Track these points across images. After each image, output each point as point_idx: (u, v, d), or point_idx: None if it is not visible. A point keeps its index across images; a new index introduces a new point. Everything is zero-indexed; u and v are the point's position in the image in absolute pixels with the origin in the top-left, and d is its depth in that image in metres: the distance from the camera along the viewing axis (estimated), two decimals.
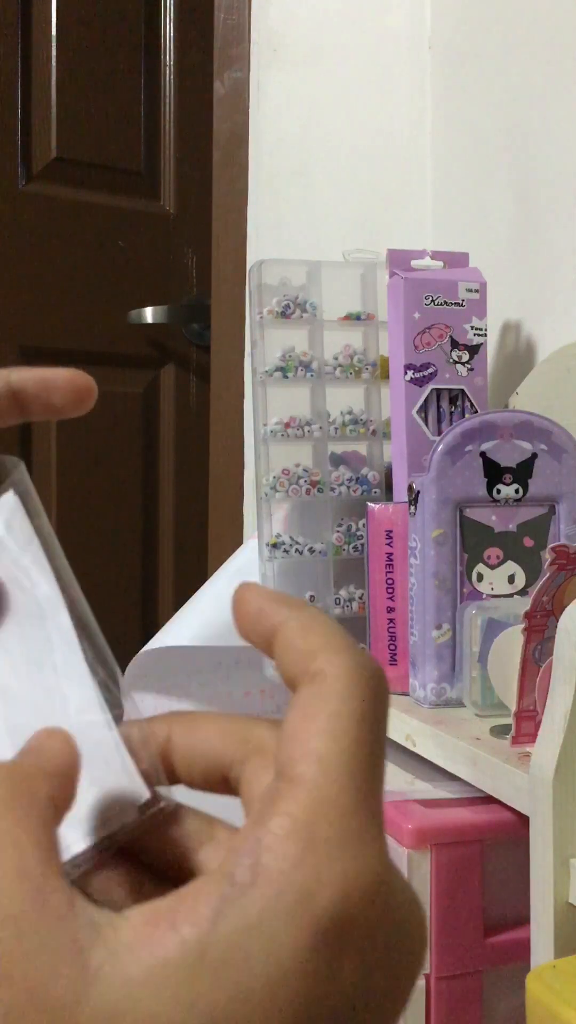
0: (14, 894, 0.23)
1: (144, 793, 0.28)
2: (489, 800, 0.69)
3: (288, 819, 0.24)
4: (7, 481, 0.33)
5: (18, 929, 0.22)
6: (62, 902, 0.23)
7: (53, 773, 0.26)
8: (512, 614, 0.76)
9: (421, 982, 0.69)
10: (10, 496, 0.33)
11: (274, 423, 0.95)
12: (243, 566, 1.04)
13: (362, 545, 0.93)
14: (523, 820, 0.61)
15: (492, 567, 0.83)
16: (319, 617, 0.28)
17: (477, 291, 0.94)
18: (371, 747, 0.26)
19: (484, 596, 0.83)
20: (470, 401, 0.93)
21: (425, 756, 0.76)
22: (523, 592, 0.83)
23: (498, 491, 0.83)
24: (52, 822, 0.25)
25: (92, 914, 0.23)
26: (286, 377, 0.96)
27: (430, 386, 0.92)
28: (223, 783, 0.29)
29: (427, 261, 0.97)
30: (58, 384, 0.39)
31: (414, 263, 0.96)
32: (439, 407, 0.93)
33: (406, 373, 0.92)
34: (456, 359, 0.93)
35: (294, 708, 0.27)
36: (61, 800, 0.26)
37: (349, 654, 0.27)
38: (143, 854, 0.29)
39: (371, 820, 0.25)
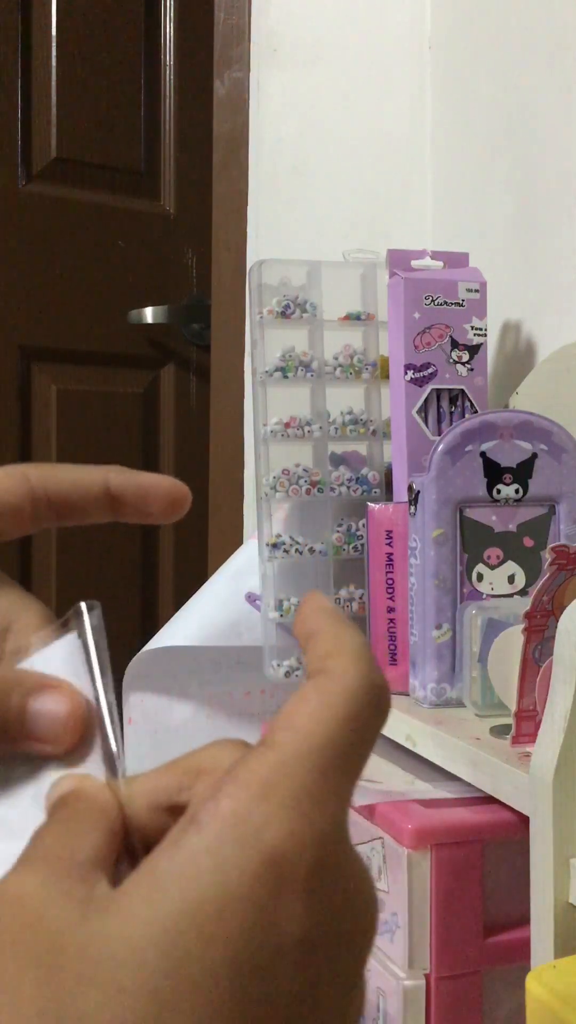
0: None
1: None
2: (489, 800, 0.69)
3: (251, 774, 0.27)
4: (75, 623, 0.33)
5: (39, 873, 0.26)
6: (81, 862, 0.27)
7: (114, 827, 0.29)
8: (512, 614, 0.76)
9: (421, 982, 0.69)
10: (72, 638, 0.33)
11: (274, 423, 0.95)
12: (243, 566, 1.04)
13: (362, 545, 0.93)
14: (523, 820, 0.61)
15: (492, 567, 0.83)
16: (352, 631, 0.31)
17: (477, 291, 0.94)
18: (353, 741, 0.28)
19: (484, 596, 0.83)
20: (470, 401, 0.93)
21: (425, 756, 0.76)
22: (523, 592, 0.83)
23: (498, 491, 0.83)
24: (114, 840, 0.28)
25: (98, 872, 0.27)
26: (286, 377, 0.96)
27: (430, 386, 0.92)
28: (168, 813, 0.30)
29: (427, 261, 0.97)
30: (159, 495, 0.39)
31: (414, 263, 0.96)
32: (439, 407, 0.93)
33: (406, 373, 0.92)
34: (456, 359, 0.93)
35: (293, 694, 0.29)
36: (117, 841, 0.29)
37: (362, 663, 0.29)
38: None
39: (331, 794, 0.27)
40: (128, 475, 0.39)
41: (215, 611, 1.03)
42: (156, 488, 0.39)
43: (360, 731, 0.28)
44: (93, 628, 0.33)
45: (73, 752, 0.32)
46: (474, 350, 0.94)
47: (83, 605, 0.33)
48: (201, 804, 0.27)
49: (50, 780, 0.31)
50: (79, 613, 0.33)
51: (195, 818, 0.26)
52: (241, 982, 0.25)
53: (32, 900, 0.26)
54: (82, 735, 0.32)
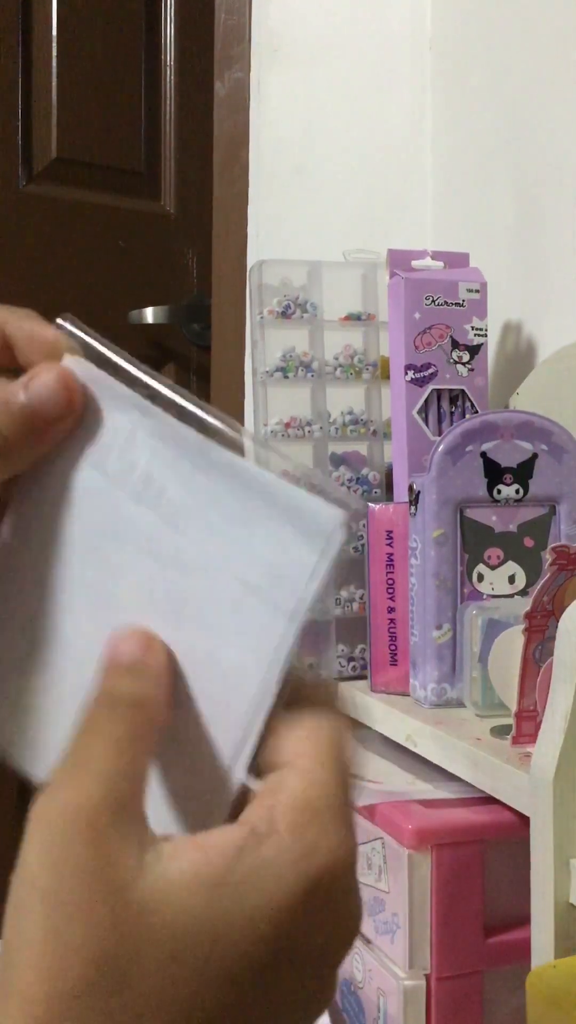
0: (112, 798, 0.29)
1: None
2: (489, 800, 0.69)
3: (294, 794, 0.30)
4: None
5: (97, 820, 0.28)
6: (140, 814, 0.30)
7: (162, 702, 0.31)
8: (512, 614, 0.76)
9: (421, 982, 0.69)
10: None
11: (274, 423, 0.95)
12: None
13: (362, 545, 0.93)
14: (523, 820, 0.61)
15: (493, 567, 0.83)
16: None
17: (477, 291, 0.94)
18: (347, 769, 0.32)
19: (485, 596, 0.83)
20: (470, 401, 0.93)
21: (425, 756, 0.76)
22: (523, 592, 0.83)
23: (498, 491, 0.83)
24: (152, 748, 0.31)
25: (149, 829, 0.30)
26: (286, 377, 0.96)
27: (430, 386, 0.92)
28: None
29: (427, 261, 0.97)
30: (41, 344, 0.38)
31: (414, 263, 0.96)
32: (439, 407, 0.93)
33: (406, 373, 0.92)
34: (456, 359, 0.93)
35: (288, 731, 0.31)
36: (162, 721, 0.32)
37: (336, 716, 0.33)
38: None
39: (350, 812, 0.31)
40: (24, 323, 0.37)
41: None
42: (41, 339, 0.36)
43: (348, 748, 0.32)
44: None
45: None
46: (474, 350, 0.94)
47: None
48: (256, 815, 0.30)
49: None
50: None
51: (255, 831, 0.29)
52: (274, 979, 0.29)
53: (101, 829, 0.28)
54: (76, 398, 0.33)
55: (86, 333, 0.35)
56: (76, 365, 0.34)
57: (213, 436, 0.31)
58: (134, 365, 0.33)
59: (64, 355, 0.35)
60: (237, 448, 0.31)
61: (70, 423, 0.34)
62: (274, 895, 0.28)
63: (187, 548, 0.32)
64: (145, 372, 0.33)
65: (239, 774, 0.31)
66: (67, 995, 0.27)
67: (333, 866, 0.29)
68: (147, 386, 0.33)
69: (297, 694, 0.32)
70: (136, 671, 0.32)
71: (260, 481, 0.31)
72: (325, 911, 0.29)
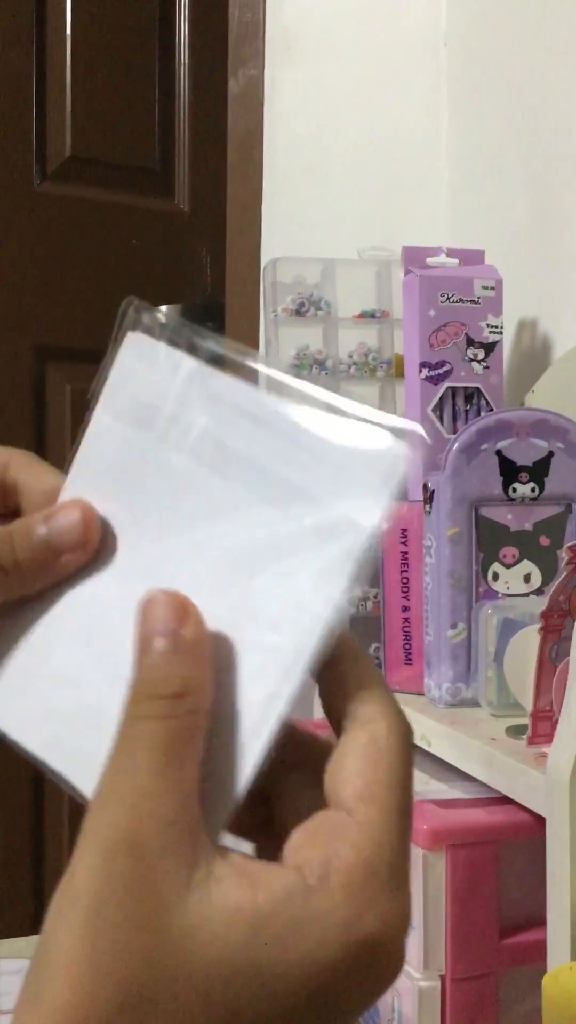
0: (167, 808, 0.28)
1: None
2: (505, 801, 0.68)
3: (354, 850, 0.29)
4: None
5: (161, 824, 0.28)
6: (190, 828, 0.28)
7: (205, 682, 0.30)
8: (528, 614, 0.75)
9: (436, 983, 0.69)
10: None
11: None
12: None
13: (376, 544, 0.93)
14: (539, 821, 0.60)
15: (508, 566, 0.83)
16: (372, 668, 0.32)
17: (493, 288, 0.94)
18: (409, 805, 0.30)
19: (500, 595, 0.82)
20: (485, 399, 0.93)
21: (440, 756, 0.76)
22: (539, 591, 0.82)
23: (514, 490, 0.82)
24: (199, 746, 0.29)
25: (208, 843, 0.29)
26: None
27: (445, 384, 0.92)
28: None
29: (442, 258, 0.96)
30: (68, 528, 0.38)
31: (429, 260, 0.95)
32: (454, 405, 0.92)
33: (421, 371, 0.91)
34: (472, 357, 0.93)
35: (352, 747, 0.30)
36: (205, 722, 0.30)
37: (399, 715, 0.31)
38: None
39: (407, 872, 0.30)
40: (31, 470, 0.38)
41: None
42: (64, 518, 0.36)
43: (410, 789, 0.31)
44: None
45: None
46: (490, 348, 0.93)
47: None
48: (310, 864, 0.29)
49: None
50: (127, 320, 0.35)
51: (307, 880, 0.28)
52: None
53: (146, 848, 0.28)
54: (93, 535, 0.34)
55: (153, 312, 0.35)
56: (134, 339, 0.35)
57: (277, 392, 0.31)
58: (199, 334, 0.34)
59: (127, 335, 0.36)
60: (302, 397, 0.31)
61: (83, 558, 0.35)
62: (315, 953, 0.28)
63: (242, 502, 0.31)
64: (209, 337, 0.34)
65: (264, 738, 0.29)
66: (97, 1016, 0.26)
67: (382, 934, 0.28)
68: (209, 350, 0.33)
69: (350, 669, 0.31)
70: (173, 647, 0.29)
71: (319, 432, 0.31)
72: (365, 975, 0.28)
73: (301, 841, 0.30)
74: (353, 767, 0.30)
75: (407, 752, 0.31)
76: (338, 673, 0.31)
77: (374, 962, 0.28)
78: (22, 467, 0.37)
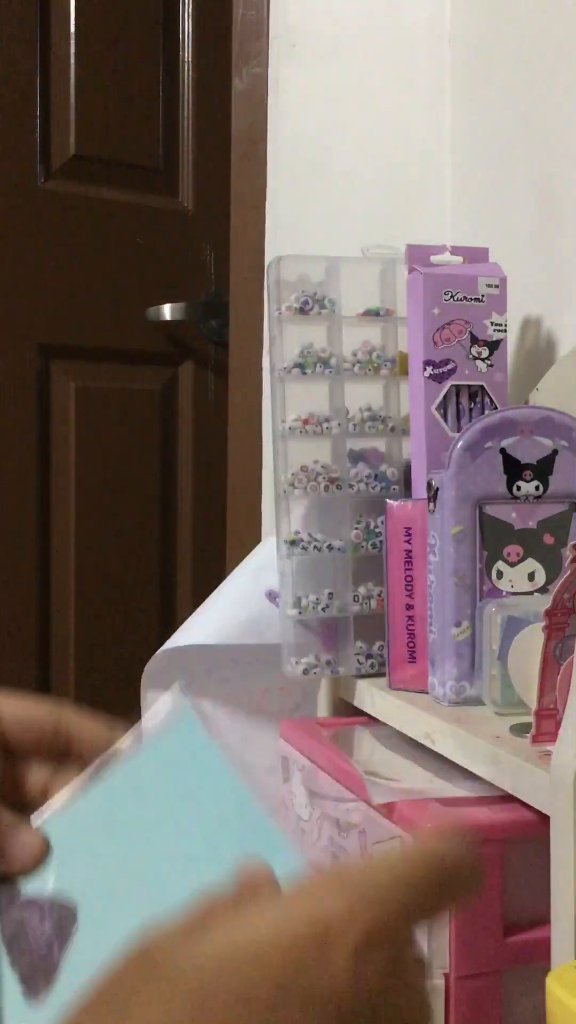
0: None
1: None
2: (509, 799, 0.68)
3: (331, 872, 0.33)
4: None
5: None
6: None
7: None
8: (532, 612, 0.75)
9: (440, 982, 0.69)
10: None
11: (292, 420, 0.95)
12: (262, 564, 1.04)
13: (381, 542, 0.93)
14: (543, 819, 0.60)
15: (512, 564, 0.83)
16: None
17: (497, 286, 0.94)
18: (433, 880, 0.34)
19: (504, 593, 0.82)
20: (490, 397, 0.93)
21: (444, 754, 0.76)
22: (543, 590, 0.82)
23: (518, 488, 0.82)
24: None
25: None
26: (304, 373, 0.96)
27: (449, 382, 0.92)
28: None
29: (446, 256, 0.96)
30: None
31: (433, 258, 0.95)
32: (458, 403, 0.92)
33: (425, 369, 0.91)
34: (476, 355, 0.93)
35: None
36: None
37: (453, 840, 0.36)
38: None
39: (400, 902, 0.33)
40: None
41: (235, 609, 1.02)
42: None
43: (441, 874, 0.34)
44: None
45: None
46: (494, 346, 0.93)
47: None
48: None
49: None
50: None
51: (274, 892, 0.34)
52: (274, 1017, 0.30)
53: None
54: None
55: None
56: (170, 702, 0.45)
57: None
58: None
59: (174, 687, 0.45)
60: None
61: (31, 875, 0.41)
62: (260, 937, 0.31)
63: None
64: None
65: None
66: None
67: (342, 916, 0.31)
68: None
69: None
70: None
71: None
72: (338, 959, 0.31)
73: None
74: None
75: (440, 851, 0.35)
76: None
77: (337, 941, 0.31)
78: (80, 720, 0.45)
